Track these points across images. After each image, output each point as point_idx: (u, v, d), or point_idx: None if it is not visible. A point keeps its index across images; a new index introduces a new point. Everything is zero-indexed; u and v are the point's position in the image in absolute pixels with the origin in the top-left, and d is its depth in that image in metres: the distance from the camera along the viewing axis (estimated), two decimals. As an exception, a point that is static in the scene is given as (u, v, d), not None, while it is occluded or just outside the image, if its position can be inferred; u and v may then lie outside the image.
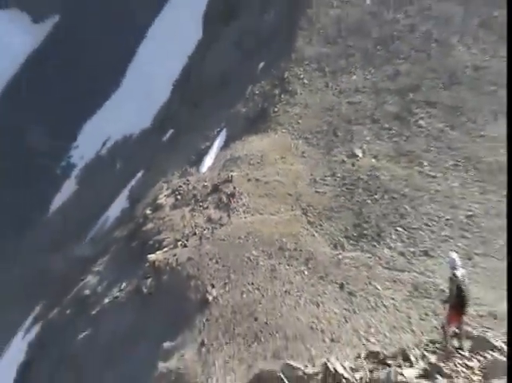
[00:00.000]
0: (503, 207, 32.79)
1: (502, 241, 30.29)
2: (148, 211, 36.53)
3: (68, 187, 63.80)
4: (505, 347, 14.13)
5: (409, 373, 12.80)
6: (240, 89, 43.85)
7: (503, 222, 31.70)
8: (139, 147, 56.23)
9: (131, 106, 62.07)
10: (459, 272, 14.39)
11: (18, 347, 41.16)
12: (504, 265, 28.52)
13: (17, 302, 46.08)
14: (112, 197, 48.35)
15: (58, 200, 63.25)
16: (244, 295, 27.61)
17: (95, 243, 42.78)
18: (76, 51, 70.83)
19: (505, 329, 17.96)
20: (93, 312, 33.81)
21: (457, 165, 35.21)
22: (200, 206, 34.11)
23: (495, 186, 34.03)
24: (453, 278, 14.44)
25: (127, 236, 37.66)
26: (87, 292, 35.83)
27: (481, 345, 14.49)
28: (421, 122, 37.48)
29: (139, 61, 68.29)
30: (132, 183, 48.17)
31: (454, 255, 15.14)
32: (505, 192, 33.91)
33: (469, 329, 16.62)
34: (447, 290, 14.84)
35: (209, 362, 25.18)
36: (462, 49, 41.00)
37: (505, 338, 15.76)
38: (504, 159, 35.90)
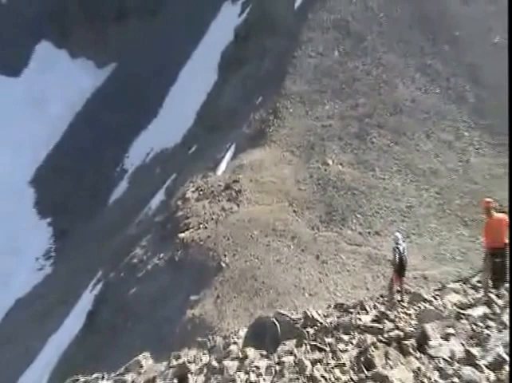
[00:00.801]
0: (432, 199, 32.82)
1: (433, 224, 30.39)
2: (179, 203, 36.46)
3: (123, 186, 63.79)
4: (433, 300, 14.09)
5: (365, 318, 12.75)
6: (244, 116, 43.78)
7: (432, 210, 31.76)
8: (173, 157, 56.20)
9: (167, 128, 62.11)
10: (401, 246, 14.40)
11: (87, 300, 41.15)
12: (433, 242, 28.67)
13: (87, 268, 46.08)
14: (153, 193, 48.29)
15: (115, 195, 63.33)
16: (247, 263, 27.62)
17: (141, 225, 42.70)
18: (128, 89, 70.78)
19: (433, 288, 17.90)
20: (140, 275, 33.79)
21: (399, 170, 35.13)
22: (216, 199, 34.09)
23: (427, 185, 34.01)
24: (396, 251, 14.44)
25: (163, 220, 37.61)
26: (135, 260, 35.80)
27: (416, 298, 14.46)
28: (374, 139, 37.35)
29: (172, 97, 68.24)
30: (168, 182, 48.12)
31: (397, 234, 15.19)
32: (433, 190, 33.92)
33: (407, 287, 16.59)
34: (392, 259, 14.83)
35: (222, 310, 25.20)
36: (402, 88, 40.85)
37: (434, 293, 15.72)
38: (434, 166, 35.85)
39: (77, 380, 15.29)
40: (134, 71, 71.85)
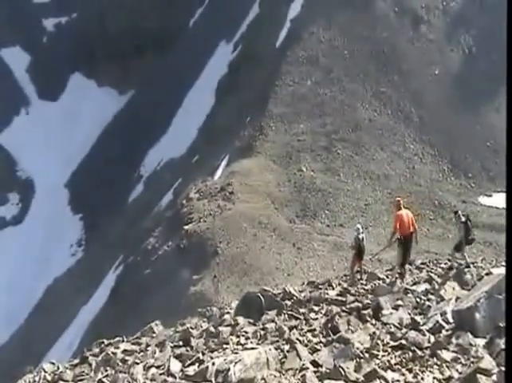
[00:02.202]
0: (384, 199, 32.87)
1: (385, 218, 30.41)
2: (184, 201, 36.23)
3: (139, 188, 63.69)
4: (386, 278, 14.04)
5: (331, 293, 12.70)
6: (236, 133, 43.61)
7: (385, 207, 31.80)
8: (179, 165, 55.96)
9: (175, 142, 61.99)
10: (361, 235, 14.35)
11: (110, 279, 40.89)
12: (385, 232, 28.64)
13: (111, 253, 45.74)
14: (163, 194, 48.04)
15: (133, 195, 63.21)
16: (238, 249, 27.50)
17: (154, 219, 42.44)
18: (144, 111, 70.68)
19: (385, 268, 17.84)
20: (152, 258, 33.57)
21: (359, 175, 35.18)
22: (213, 198, 33.91)
23: (381, 187, 34.10)
24: (356, 239, 14.39)
25: (171, 215, 37.37)
26: (149, 247, 35.53)
27: (372, 277, 14.43)
28: (339, 151, 37.34)
29: (179, 117, 68.08)
30: (175, 185, 47.87)
31: (358, 225, 15.13)
32: (386, 191, 33.98)
33: (365, 268, 16.54)
34: (353, 246, 14.78)
35: (218, 287, 25.09)
36: (362, 109, 40.92)
37: (386, 273, 15.67)
38: (386, 172, 35.92)
39: (102, 342, 15.11)
40: (149, 96, 71.61)
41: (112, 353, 12.56)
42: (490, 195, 35.82)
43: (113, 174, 65.16)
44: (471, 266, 12.46)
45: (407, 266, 13.16)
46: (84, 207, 66.60)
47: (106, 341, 14.73)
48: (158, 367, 10.26)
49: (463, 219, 13.09)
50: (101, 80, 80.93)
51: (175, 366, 9.76)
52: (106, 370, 11.62)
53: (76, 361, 13.74)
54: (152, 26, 77.62)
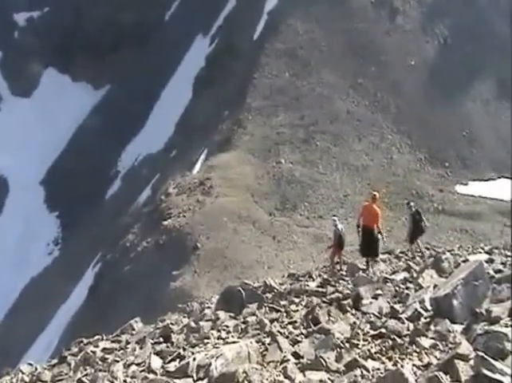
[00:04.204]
0: (363, 189, 33.16)
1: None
2: (162, 197, 36.01)
3: (117, 184, 63.17)
4: (366, 268, 14.14)
5: (312, 284, 12.77)
6: (215, 126, 43.48)
7: (364, 197, 32.04)
8: (157, 160, 55.58)
9: (152, 137, 61.53)
10: (339, 226, 14.44)
11: (89, 277, 40.48)
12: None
13: (89, 251, 45.26)
14: (141, 190, 47.66)
15: (111, 191, 62.68)
16: (218, 243, 27.47)
17: (132, 215, 42.07)
18: (120, 106, 69.93)
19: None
20: (132, 255, 33.30)
21: (338, 167, 35.41)
22: (192, 193, 33.77)
23: (360, 178, 34.39)
24: (336, 230, 14.48)
25: (150, 211, 37.13)
26: (128, 244, 35.23)
27: (352, 268, 14.51)
28: (317, 143, 37.52)
29: (156, 111, 67.70)
30: (153, 181, 47.51)
31: (334, 218, 15.26)
32: (364, 181, 34.27)
33: (345, 259, 16.66)
34: (332, 237, 14.87)
35: (198, 283, 25.02)
36: (339, 101, 41.14)
37: (366, 263, 15.77)
38: (365, 162, 36.22)
39: (81, 341, 14.92)
40: (125, 91, 70.80)
41: (92, 351, 12.40)
42: (466, 184, 36.43)
43: (90, 170, 64.41)
44: (424, 255, 12.94)
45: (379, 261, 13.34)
46: (61, 205, 65.74)
47: (85, 340, 14.56)
48: (138, 364, 10.16)
49: (413, 210, 13.80)
50: (76, 75, 79.76)
51: (156, 363, 9.67)
52: (85, 369, 11.46)
53: (55, 361, 13.55)
54: (128, 20, 76.65)
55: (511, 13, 49.12)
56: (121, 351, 12.00)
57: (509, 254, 12.35)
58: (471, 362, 4.93)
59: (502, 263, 10.96)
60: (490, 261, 11.59)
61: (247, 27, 54.37)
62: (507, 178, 36.99)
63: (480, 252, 14.82)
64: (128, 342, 12.69)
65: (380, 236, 13.32)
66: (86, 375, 10.97)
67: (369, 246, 13.13)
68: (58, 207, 66.53)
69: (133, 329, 14.30)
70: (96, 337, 14.49)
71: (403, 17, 48.17)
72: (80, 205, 61.38)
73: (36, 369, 12.85)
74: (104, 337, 14.38)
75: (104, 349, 12.53)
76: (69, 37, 78.41)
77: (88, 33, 77.23)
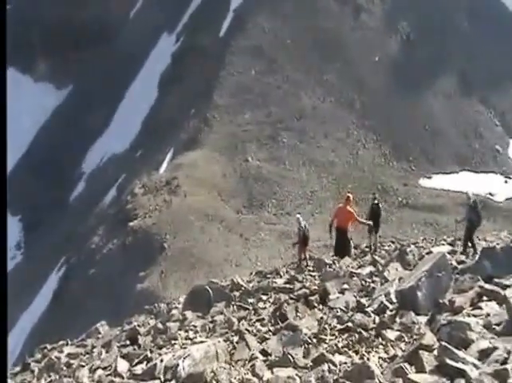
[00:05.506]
0: (330, 185, 33.46)
1: (331, 205, 30.92)
2: (128, 197, 35.50)
3: (81, 185, 62.02)
4: (332, 263, 14.22)
5: (279, 281, 12.75)
6: (181, 125, 43.13)
7: (330, 194, 32.38)
8: (123, 160, 54.77)
9: (117, 136, 60.63)
10: (302, 224, 14.53)
11: (53, 281, 39.59)
12: (330, 218, 29.10)
13: (52, 254, 44.22)
14: (107, 190, 46.87)
15: (75, 193, 61.48)
16: (185, 243, 27.30)
17: (97, 217, 41.32)
18: (84, 105, 68.60)
19: (332, 254, 18.07)
20: (97, 257, 32.70)
21: (304, 163, 35.64)
22: (159, 193, 33.43)
23: (326, 174, 34.70)
24: (299, 228, 14.57)
25: (116, 212, 36.55)
26: (93, 246, 34.58)
27: (319, 263, 14.56)
28: (284, 140, 37.68)
29: (121, 111, 66.68)
30: (119, 181, 46.79)
31: (298, 216, 15.43)
32: (331, 177, 34.59)
33: (312, 254, 16.74)
34: (297, 235, 14.93)
35: (165, 283, 24.82)
36: (305, 98, 41.41)
37: (332, 258, 15.89)
38: (331, 158, 36.54)
39: (45, 347, 14.54)
40: (89, 90, 69.54)
41: (56, 357, 12.11)
42: (430, 177, 37.25)
43: (53, 172, 63.08)
44: (380, 249, 13.17)
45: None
46: (23, 208, 64.03)
47: (49, 346, 14.21)
48: (104, 368, 9.95)
49: (375, 202, 14.24)
50: (37, 74, 77.99)
51: (123, 366, 9.48)
52: (50, 376, 11.19)
53: (18, 368, 13.17)
54: (91, 17, 75.27)
55: (471, 9, 50.36)
56: (87, 355, 11.76)
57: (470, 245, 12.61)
58: (435, 352, 4.98)
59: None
60: (453, 252, 11.82)
61: (213, 25, 54.13)
62: (468, 171, 37.97)
63: (443, 244, 15.14)
64: (93, 346, 12.43)
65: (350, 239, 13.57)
66: (50, 382, 10.70)
67: (343, 247, 13.35)
68: (21, 210, 64.77)
69: (99, 333, 14.03)
70: (61, 343, 14.16)
71: (367, 14, 48.84)
72: (43, 208, 60.05)
73: (-3, 377, 12.43)
74: (69, 342, 14.07)
75: (68, 355, 12.26)
76: (30, 36, 76.42)
77: (48, 31, 75.43)
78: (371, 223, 14.55)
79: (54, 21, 75.57)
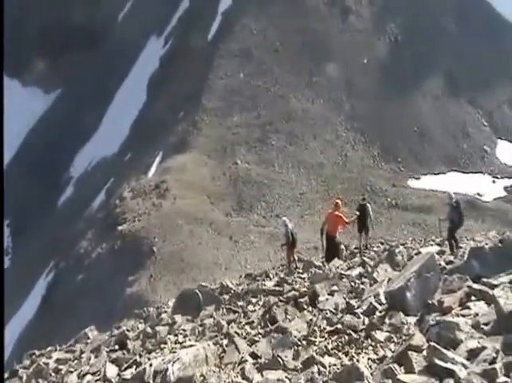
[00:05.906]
0: (319, 187, 33.57)
1: (320, 206, 31.02)
2: (117, 201, 35.28)
3: (70, 190, 61.62)
4: (322, 265, 14.24)
5: (269, 284, 12.73)
6: (169, 128, 43.02)
7: (319, 195, 32.46)
8: (111, 164, 54.48)
9: (106, 140, 60.33)
10: (289, 226, 14.57)
11: (41, 286, 39.23)
12: (320, 220, 29.16)
13: (41, 260, 43.82)
14: (95, 194, 46.57)
15: (63, 197, 61.08)
16: (175, 246, 27.20)
17: (86, 221, 41.02)
18: (72, 109, 68.21)
19: (321, 255, 18.12)
20: (86, 262, 32.47)
21: (293, 165, 35.70)
22: (148, 196, 33.31)
23: (315, 176, 34.77)
24: (288, 231, 14.60)
25: (105, 216, 36.32)
26: (82, 251, 34.31)
27: (308, 265, 14.58)
28: (273, 142, 37.71)
29: (110, 114, 66.43)
30: (108, 185, 46.50)
31: (284, 218, 15.48)
32: (320, 179, 34.69)
33: (301, 256, 16.75)
34: (284, 237, 14.96)
35: (155, 287, 24.74)
36: (294, 100, 41.50)
37: (322, 260, 15.91)
38: (320, 160, 36.63)
39: (34, 353, 14.38)
40: (77, 94, 69.21)
41: (44, 363, 11.99)
42: (419, 178, 37.49)
43: (42, 176, 62.64)
44: (367, 248, 13.24)
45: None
46: (11, 213, 63.33)
47: (37, 352, 14.06)
48: (93, 374, 9.87)
49: (361, 203, 14.51)
50: (26, 79, 77.49)
51: (112, 371, 9.41)
52: (38, 382, 11.06)
53: (6, 375, 12.99)
54: (79, 20, 74.90)
55: (458, 10, 50.81)
56: (75, 361, 11.65)
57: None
58: (424, 353, 4.98)
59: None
60: (442, 252, 11.88)
61: (201, 28, 54.10)
62: (457, 171, 38.25)
63: (432, 244, 15.22)
64: (82, 352, 12.32)
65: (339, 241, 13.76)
66: (38, 388, 10.60)
67: (333, 253, 13.50)
68: (8, 215, 64.10)
69: (88, 338, 13.92)
70: (49, 348, 14.03)
71: (355, 17, 49.10)
72: (31, 212, 59.57)
73: (-16, 385, 12.27)
74: (58, 348, 13.93)
75: (57, 360, 12.14)
76: (17, 40, 75.85)
77: (36, 35, 74.97)
78: (358, 213, 14.82)
79: (42, 26, 75.20)
